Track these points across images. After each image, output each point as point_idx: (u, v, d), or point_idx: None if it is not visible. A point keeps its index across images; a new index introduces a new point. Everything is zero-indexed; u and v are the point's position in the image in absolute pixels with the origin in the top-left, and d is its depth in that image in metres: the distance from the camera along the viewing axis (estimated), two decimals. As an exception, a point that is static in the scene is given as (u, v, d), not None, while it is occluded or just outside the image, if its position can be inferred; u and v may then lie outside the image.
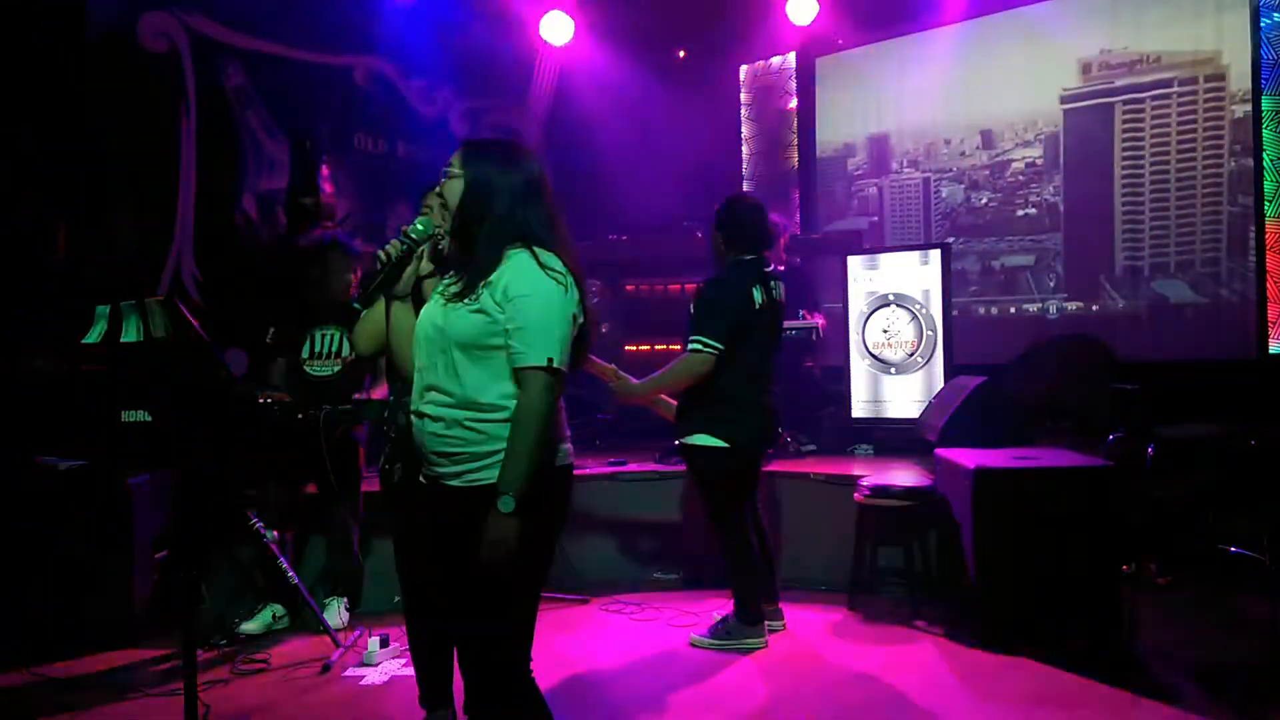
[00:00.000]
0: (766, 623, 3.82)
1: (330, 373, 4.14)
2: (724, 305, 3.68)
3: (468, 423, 2.06)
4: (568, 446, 2.18)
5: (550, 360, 1.99)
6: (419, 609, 2.85)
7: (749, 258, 3.81)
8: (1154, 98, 5.95)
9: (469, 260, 2.12)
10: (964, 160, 6.96)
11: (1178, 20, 5.97)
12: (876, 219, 7.38)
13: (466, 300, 2.07)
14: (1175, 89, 5.85)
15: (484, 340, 2.05)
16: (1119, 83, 6.12)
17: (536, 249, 2.09)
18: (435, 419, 2.09)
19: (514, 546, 1.96)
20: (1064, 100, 6.40)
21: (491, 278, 2.06)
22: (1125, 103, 6.09)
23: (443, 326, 2.10)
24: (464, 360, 2.07)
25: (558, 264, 2.08)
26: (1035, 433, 4.68)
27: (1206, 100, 5.79)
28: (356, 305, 2.47)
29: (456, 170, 2.15)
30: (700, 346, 3.63)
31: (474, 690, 2.13)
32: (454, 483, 2.10)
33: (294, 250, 5.57)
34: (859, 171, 7.53)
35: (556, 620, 4.21)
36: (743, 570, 3.75)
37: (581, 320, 2.13)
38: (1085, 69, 6.26)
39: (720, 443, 3.68)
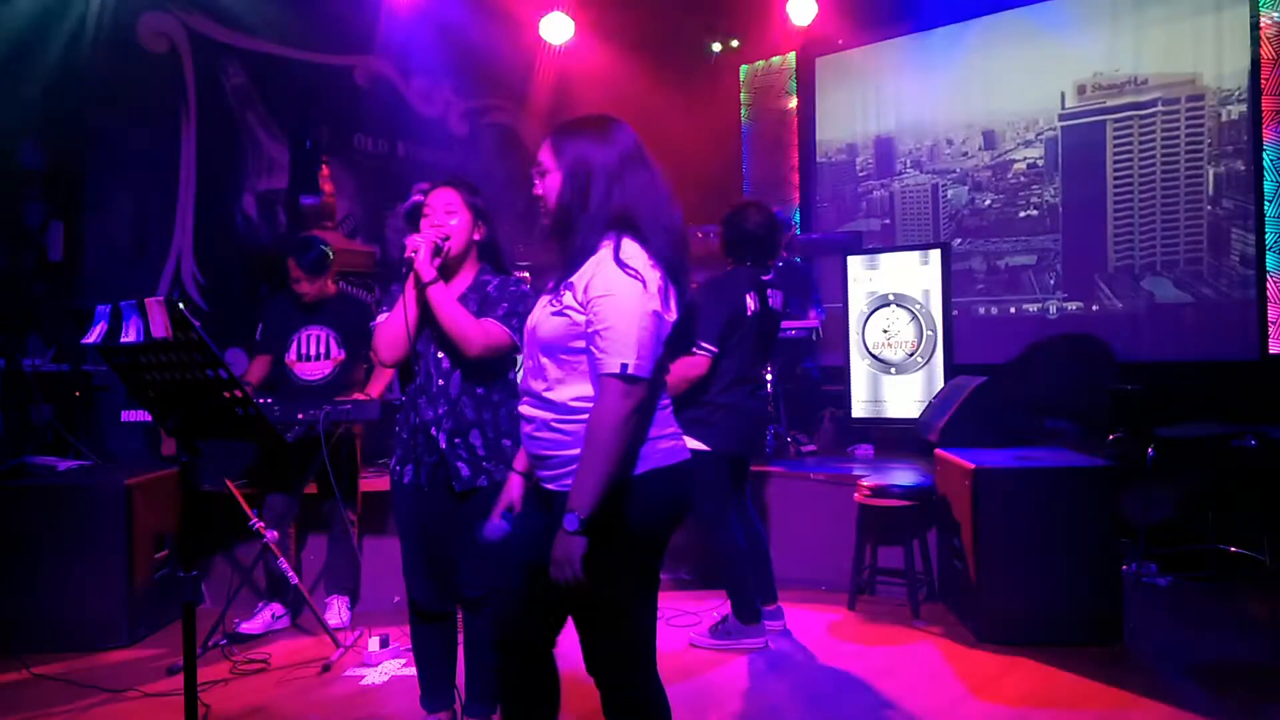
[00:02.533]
0: (765, 623, 3.83)
1: (321, 376, 4.12)
2: (717, 308, 3.69)
3: (554, 424, 1.98)
4: (669, 444, 2.02)
5: (624, 366, 1.86)
6: (422, 611, 2.83)
7: (748, 264, 3.84)
8: (1141, 117, 6.17)
9: (565, 255, 2.01)
10: (967, 161, 6.97)
11: (1175, 19, 6.02)
12: (888, 221, 7.39)
13: (552, 301, 1.99)
14: (1159, 109, 6.09)
15: (565, 343, 1.96)
16: (1110, 103, 6.31)
17: (625, 240, 1.96)
18: (529, 420, 2.04)
19: (578, 567, 1.85)
20: (1062, 118, 6.51)
21: (573, 278, 1.96)
22: (1115, 122, 6.27)
23: (533, 328, 2.04)
24: (549, 362, 2.00)
25: (640, 258, 1.94)
26: (1035, 433, 4.68)
27: (1188, 117, 5.98)
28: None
29: (548, 165, 2.04)
30: (695, 350, 3.64)
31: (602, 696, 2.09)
32: (550, 485, 2.03)
33: (280, 249, 5.55)
34: (866, 173, 7.53)
35: (556, 620, 4.21)
36: (734, 570, 3.75)
37: (674, 316, 1.97)
38: (1080, 90, 6.42)
39: (699, 445, 3.67)
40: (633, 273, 1.90)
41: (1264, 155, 5.69)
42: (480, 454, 2.67)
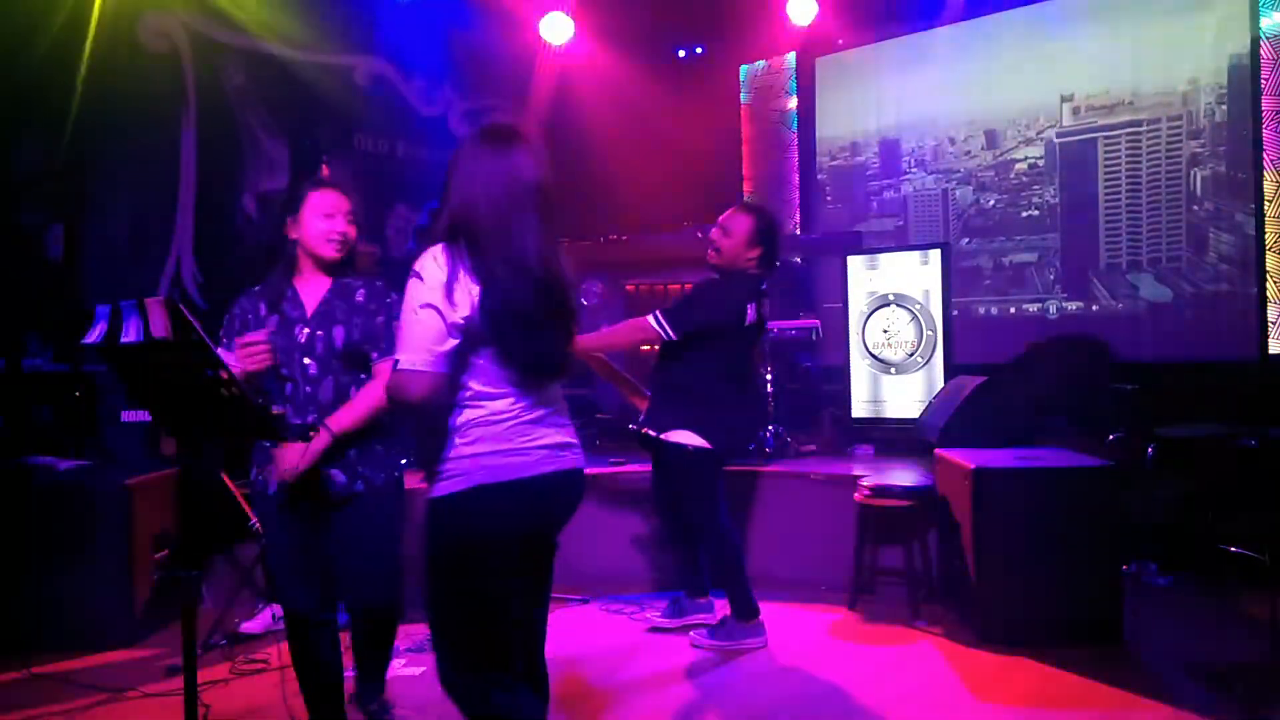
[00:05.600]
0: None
1: None
2: (707, 308, 3.67)
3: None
4: (497, 462, 1.96)
5: (396, 361, 1.95)
6: (303, 620, 2.75)
7: (754, 273, 3.75)
8: (1128, 135, 6.30)
9: None
10: (970, 161, 6.98)
11: (1174, 15, 6.04)
12: (902, 223, 7.39)
13: None
14: (1144, 128, 6.23)
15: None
16: (1101, 121, 6.41)
17: (435, 247, 1.99)
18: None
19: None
20: (1059, 135, 6.57)
21: None
22: (1105, 139, 6.38)
23: None
24: None
25: (430, 256, 1.95)
26: (1035, 433, 4.68)
27: (1184, 118, 6.05)
28: None
29: None
30: (654, 323, 3.61)
31: None
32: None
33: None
34: (873, 174, 7.52)
35: (556, 620, 4.20)
36: (732, 569, 3.74)
37: (464, 312, 1.93)
38: (1075, 111, 6.52)
39: (703, 443, 3.67)
40: (414, 274, 1.95)
41: (1263, 155, 5.69)
42: (353, 459, 2.61)
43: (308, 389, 2.59)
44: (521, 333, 1.96)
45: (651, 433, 3.76)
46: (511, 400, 1.99)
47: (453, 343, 1.92)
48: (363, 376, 2.64)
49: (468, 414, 1.97)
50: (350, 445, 2.59)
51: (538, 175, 2.03)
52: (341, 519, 2.62)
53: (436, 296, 1.92)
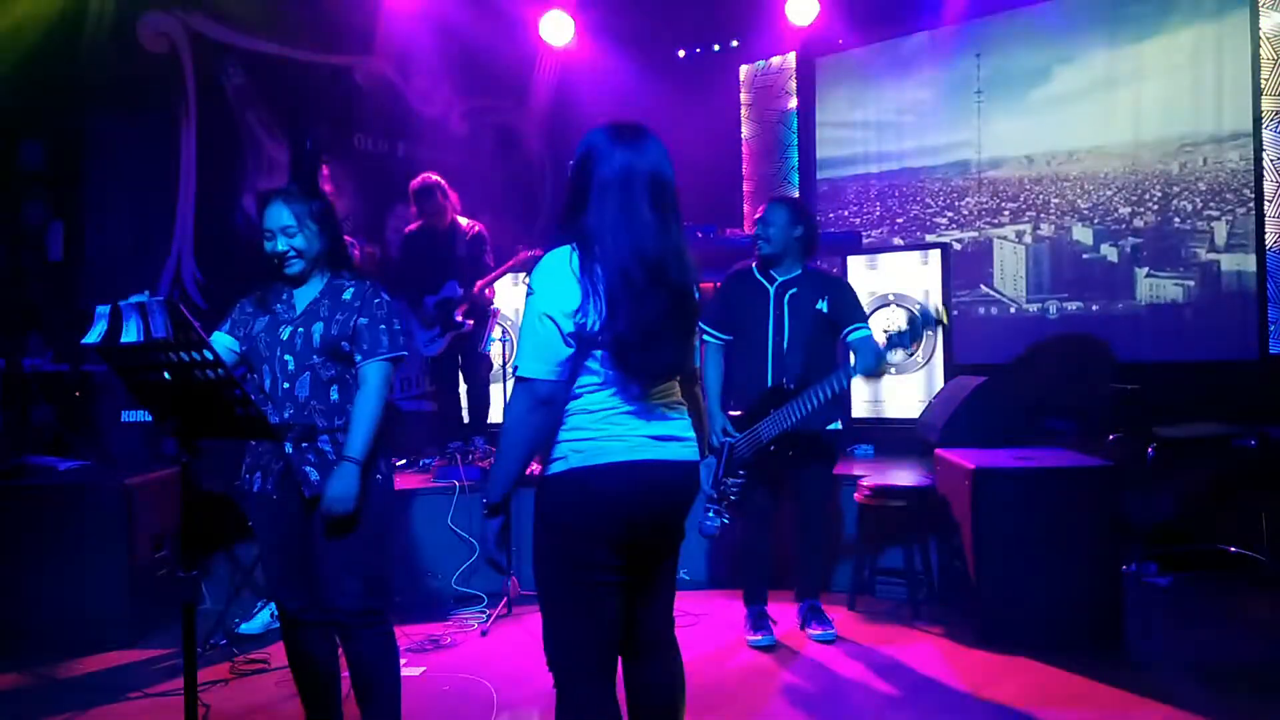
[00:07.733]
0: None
1: None
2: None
3: None
4: (585, 447, 2.02)
5: (515, 368, 2.01)
6: (295, 620, 2.71)
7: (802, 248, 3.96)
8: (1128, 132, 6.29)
9: None
10: (971, 161, 6.97)
11: (1174, 12, 6.04)
12: (901, 220, 7.38)
13: None
14: (1144, 127, 6.20)
15: None
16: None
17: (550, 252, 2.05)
18: None
19: (490, 547, 2.07)
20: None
21: None
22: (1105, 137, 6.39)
23: None
24: None
25: (544, 265, 2.01)
26: (1035, 433, 4.68)
27: (1183, 116, 6.04)
28: None
29: None
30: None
31: None
32: None
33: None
34: (870, 174, 7.52)
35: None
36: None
37: (589, 318, 1.96)
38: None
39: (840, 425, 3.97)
40: (529, 286, 2.03)
41: (1263, 156, 5.69)
42: (331, 458, 2.56)
43: (285, 385, 2.57)
44: (633, 340, 1.97)
45: (815, 429, 3.79)
46: (611, 393, 2.03)
47: (569, 352, 1.98)
48: (348, 376, 2.61)
49: (573, 404, 2.03)
50: (322, 440, 2.57)
51: (664, 173, 2.07)
52: (319, 518, 2.57)
53: (551, 306, 1.96)
